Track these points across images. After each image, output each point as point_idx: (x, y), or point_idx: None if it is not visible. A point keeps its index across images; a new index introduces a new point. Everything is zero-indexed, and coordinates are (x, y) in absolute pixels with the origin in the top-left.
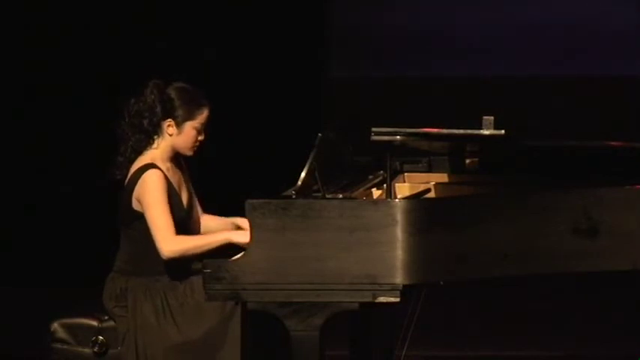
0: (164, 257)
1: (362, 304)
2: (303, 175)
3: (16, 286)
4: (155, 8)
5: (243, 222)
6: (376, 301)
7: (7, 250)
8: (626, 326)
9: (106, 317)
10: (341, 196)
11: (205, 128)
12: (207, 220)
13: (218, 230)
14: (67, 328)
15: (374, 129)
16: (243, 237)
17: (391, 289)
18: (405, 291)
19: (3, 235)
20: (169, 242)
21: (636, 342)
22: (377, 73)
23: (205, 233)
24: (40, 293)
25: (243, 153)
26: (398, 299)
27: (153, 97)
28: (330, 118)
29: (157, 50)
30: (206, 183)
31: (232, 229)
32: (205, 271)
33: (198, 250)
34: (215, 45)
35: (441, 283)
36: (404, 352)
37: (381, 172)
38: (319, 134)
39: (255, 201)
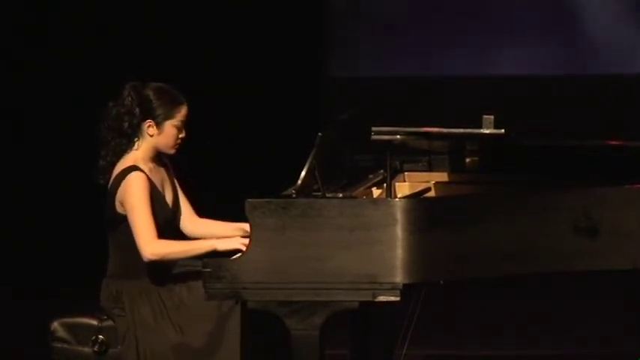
0: (145, 259)
1: (362, 304)
2: (303, 174)
3: (16, 286)
4: (155, 7)
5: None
6: (376, 300)
7: (7, 250)
8: (626, 326)
9: (106, 317)
10: (341, 195)
11: (185, 125)
12: (210, 225)
13: (222, 234)
14: (67, 327)
15: (374, 128)
16: (228, 245)
17: (391, 289)
18: (405, 290)
19: (3, 235)
20: (151, 245)
21: (636, 342)
22: (377, 73)
23: (206, 237)
24: (40, 293)
25: (243, 153)
26: (398, 298)
27: (130, 99)
28: (329, 117)
29: (156, 50)
30: (206, 183)
31: (241, 234)
32: (205, 270)
33: (181, 256)
34: (215, 45)
35: (441, 282)
36: (404, 352)
37: (381, 171)
38: (319, 134)
39: (255, 200)
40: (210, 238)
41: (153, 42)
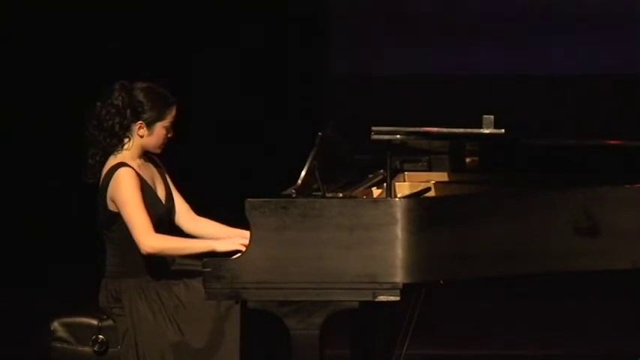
0: (143, 252)
1: (362, 303)
2: (303, 174)
3: (16, 286)
4: (155, 5)
5: (240, 233)
6: (376, 300)
7: (7, 250)
8: (626, 326)
9: (106, 316)
10: (341, 195)
11: (173, 125)
12: (211, 226)
13: (218, 236)
14: (67, 327)
15: (374, 128)
16: (227, 246)
17: (391, 288)
18: (405, 290)
19: (3, 235)
20: (148, 238)
21: (636, 342)
22: (378, 73)
23: (205, 237)
24: (40, 293)
25: (244, 153)
26: (398, 298)
27: (121, 99)
28: (330, 117)
29: (154, 48)
30: (206, 183)
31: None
32: (205, 270)
33: (178, 252)
34: (215, 44)
35: (441, 282)
36: (404, 351)
37: (381, 171)
38: (319, 133)
39: (255, 200)
40: (210, 238)
41: (152, 40)
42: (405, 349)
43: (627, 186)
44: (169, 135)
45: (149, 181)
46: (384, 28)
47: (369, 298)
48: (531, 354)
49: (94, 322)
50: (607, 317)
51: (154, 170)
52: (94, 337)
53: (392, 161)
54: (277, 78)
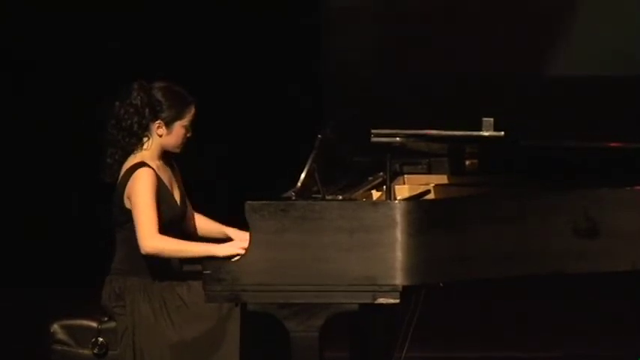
0: (142, 252)
1: (362, 306)
2: (302, 176)
3: (16, 286)
4: (151, 4)
5: (233, 233)
6: (376, 302)
7: (7, 250)
8: (626, 326)
9: (106, 318)
10: (341, 197)
11: (192, 124)
12: (198, 220)
13: (210, 233)
14: (67, 329)
15: (374, 130)
16: (227, 251)
17: (391, 291)
18: (405, 292)
19: (3, 236)
20: (150, 238)
21: (636, 342)
22: (378, 72)
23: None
24: (40, 293)
25: (244, 153)
26: (397, 300)
27: (139, 99)
28: (330, 118)
29: (153, 48)
30: (206, 183)
31: (225, 236)
32: (205, 272)
33: (178, 254)
34: (214, 45)
35: (441, 284)
36: (403, 353)
37: (381, 173)
38: (319, 136)
39: (254, 202)
40: (207, 237)
41: (149, 39)
42: (404, 351)
43: (627, 188)
44: (188, 134)
45: (167, 183)
46: (385, 27)
47: (369, 301)
48: (531, 355)
49: (94, 324)
50: (607, 317)
51: (171, 173)
52: (93, 339)
53: (391, 164)
54: (277, 78)
